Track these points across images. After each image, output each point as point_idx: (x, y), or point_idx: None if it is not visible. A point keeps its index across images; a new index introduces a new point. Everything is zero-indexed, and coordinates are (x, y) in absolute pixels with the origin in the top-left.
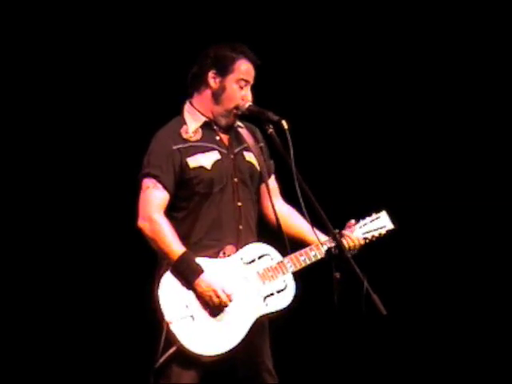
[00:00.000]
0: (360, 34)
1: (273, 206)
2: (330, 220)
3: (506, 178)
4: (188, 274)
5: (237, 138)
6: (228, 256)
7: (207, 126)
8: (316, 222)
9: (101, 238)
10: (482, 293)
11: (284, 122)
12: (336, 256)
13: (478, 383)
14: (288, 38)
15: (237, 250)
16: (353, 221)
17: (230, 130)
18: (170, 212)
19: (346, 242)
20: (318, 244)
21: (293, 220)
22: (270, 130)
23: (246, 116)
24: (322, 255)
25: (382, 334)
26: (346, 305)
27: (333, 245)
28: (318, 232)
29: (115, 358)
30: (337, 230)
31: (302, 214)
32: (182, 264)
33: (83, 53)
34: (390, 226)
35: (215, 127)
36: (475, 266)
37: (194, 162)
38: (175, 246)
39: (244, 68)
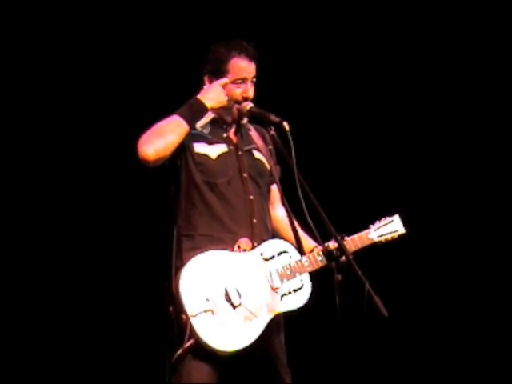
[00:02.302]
0: (366, 37)
1: (274, 210)
2: (332, 222)
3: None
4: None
5: (246, 138)
6: (244, 250)
7: (215, 124)
8: (318, 225)
9: (108, 237)
10: (483, 295)
11: (285, 124)
12: (338, 258)
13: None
14: (293, 39)
15: (252, 243)
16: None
17: (238, 129)
18: (175, 202)
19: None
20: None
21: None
22: (272, 132)
23: (248, 117)
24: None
25: (384, 336)
26: (347, 307)
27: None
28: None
29: (126, 356)
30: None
31: (304, 216)
32: (184, 109)
33: (91, 55)
34: (402, 230)
35: (224, 125)
36: (476, 269)
37: (199, 147)
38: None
39: (237, 67)
